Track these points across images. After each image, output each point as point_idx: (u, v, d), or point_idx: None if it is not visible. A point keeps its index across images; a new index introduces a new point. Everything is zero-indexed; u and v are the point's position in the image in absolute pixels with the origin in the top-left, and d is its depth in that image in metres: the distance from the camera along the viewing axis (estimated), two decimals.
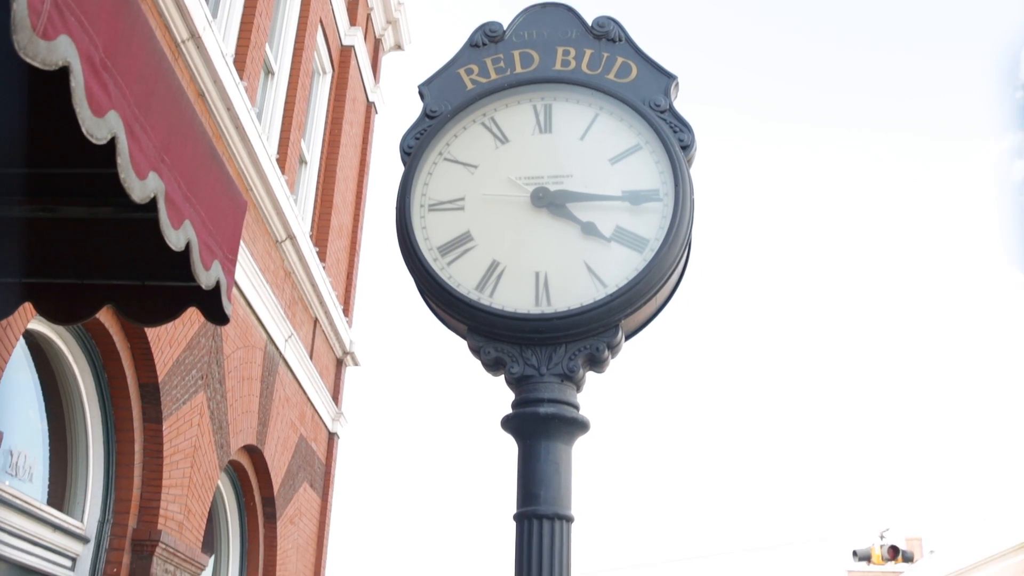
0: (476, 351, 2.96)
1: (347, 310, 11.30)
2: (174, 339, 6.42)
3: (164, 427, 6.32)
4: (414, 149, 3.19)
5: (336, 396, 10.96)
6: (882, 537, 23.84)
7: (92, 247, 3.33)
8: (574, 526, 2.75)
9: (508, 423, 2.87)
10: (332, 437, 10.77)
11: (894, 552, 22.97)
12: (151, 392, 6.25)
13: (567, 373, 2.87)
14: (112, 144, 2.11)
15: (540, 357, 2.91)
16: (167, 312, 3.34)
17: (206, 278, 2.68)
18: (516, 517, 2.76)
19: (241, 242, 7.34)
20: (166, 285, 3.24)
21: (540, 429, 2.79)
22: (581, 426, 2.84)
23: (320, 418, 10.32)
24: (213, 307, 3.04)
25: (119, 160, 2.13)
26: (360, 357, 11.39)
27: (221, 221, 2.76)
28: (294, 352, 9.08)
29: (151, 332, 6.10)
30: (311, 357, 9.81)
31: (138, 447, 6.23)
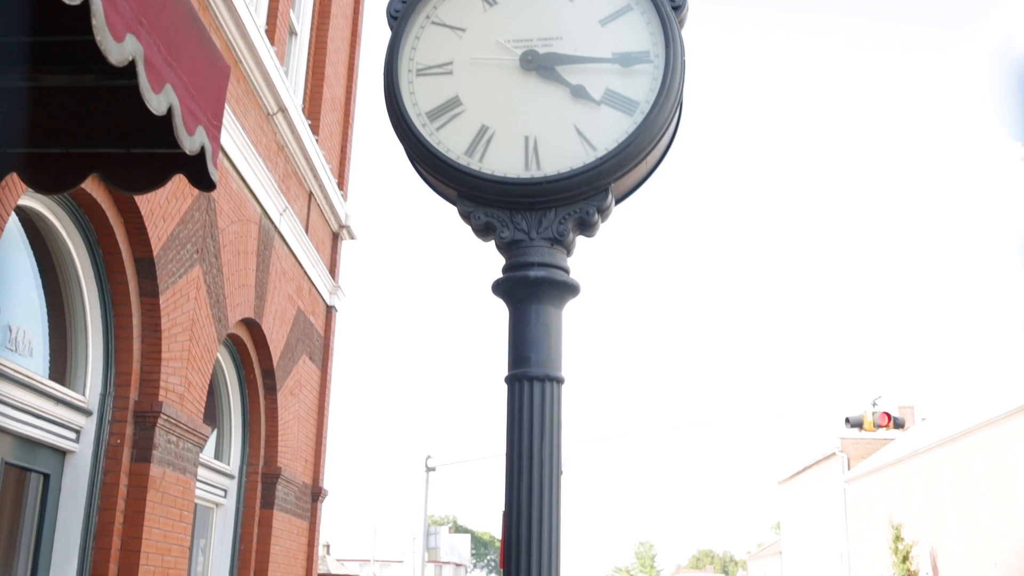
0: (466, 216, 2.96)
1: (342, 184, 11.25)
2: (167, 213, 6.40)
3: (161, 301, 6.36)
4: (401, 13, 3.13)
5: (333, 270, 11.00)
6: (874, 404, 24.25)
7: (77, 116, 3.29)
8: (565, 388, 2.80)
9: (499, 287, 2.88)
10: (330, 310, 10.86)
11: (886, 418, 23.41)
12: (146, 266, 6.27)
13: (557, 237, 2.87)
14: (88, 7, 2.06)
15: (530, 221, 2.90)
16: (154, 179, 3.32)
17: (190, 143, 2.66)
18: (507, 379, 2.80)
19: (232, 115, 7.26)
20: (152, 152, 3.21)
21: (530, 293, 2.81)
22: (571, 289, 2.86)
23: (317, 291, 10.38)
24: (199, 173, 3.02)
25: (94, 22, 2.08)
26: (356, 231, 11.40)
27: (204, 86, 2.72)
28: (289, 226, 9.07)
29: (144, 206, 6.09)
30: (307, 231, 9.81)
31: (136, 321, 6.27)
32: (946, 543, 44.49)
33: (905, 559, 45.31)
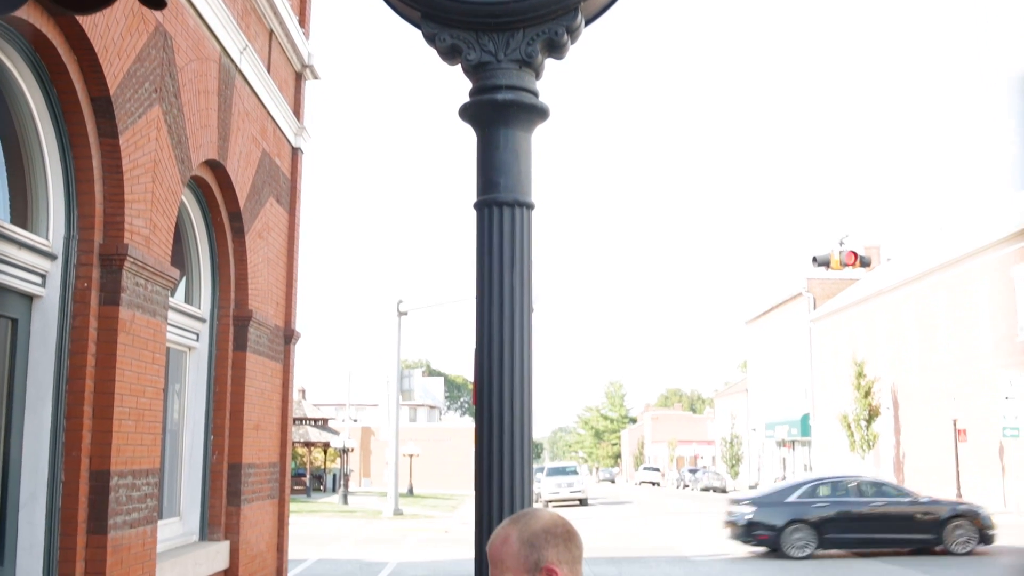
0: (431, 39, 2.85)
1: (303, 21, 10.91)
2: (122, 50, 6.18)
3: (121, 141, 6.20)
4: None
5: (297, 111, 10.78)
6: (841, 244, 24.49)
7: None
8: (535, 214, 2.75)
9: (466, 111, 2.80)
10: (295, 152, 10.69)
11: (853, 257, 23.68)
12: (103, 106, 6.08)
13: (525, 59, 2.78)
14: None
15: (497, 43, 2.80)
16: None
17: None
18: (476, 205, 2.75)
19: None
20: None
21: (498, 116, 2.73)
22: (540, 113, 2.78)
23: (282, 133, 10.19)
24: None
25: None
26: (320, 71, 11.12)
27: None
28: (250, 65, 8.82)
29: (98, 43, 5.86)
30: (268, 70, 9.55)
31: (96, 163, 6.13)
32: (907, 379, 45.81)
33: (867, 394, 46.67)
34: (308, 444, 48.26)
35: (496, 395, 2.85)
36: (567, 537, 2.50)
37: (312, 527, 29.04)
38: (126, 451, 6.27)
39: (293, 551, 20.16)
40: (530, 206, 2.73)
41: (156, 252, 6.77)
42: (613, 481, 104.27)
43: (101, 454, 6.04)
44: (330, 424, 53.87)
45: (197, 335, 8.55)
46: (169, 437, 8.40)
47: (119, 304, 6.14)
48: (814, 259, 24.18)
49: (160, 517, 7.90)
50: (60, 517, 5.85)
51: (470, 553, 22.26)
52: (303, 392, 49.40)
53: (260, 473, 9.38)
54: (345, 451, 48.33)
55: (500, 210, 2.70)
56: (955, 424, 38.61)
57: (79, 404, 5.94)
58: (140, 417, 6.48)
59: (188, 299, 8.50)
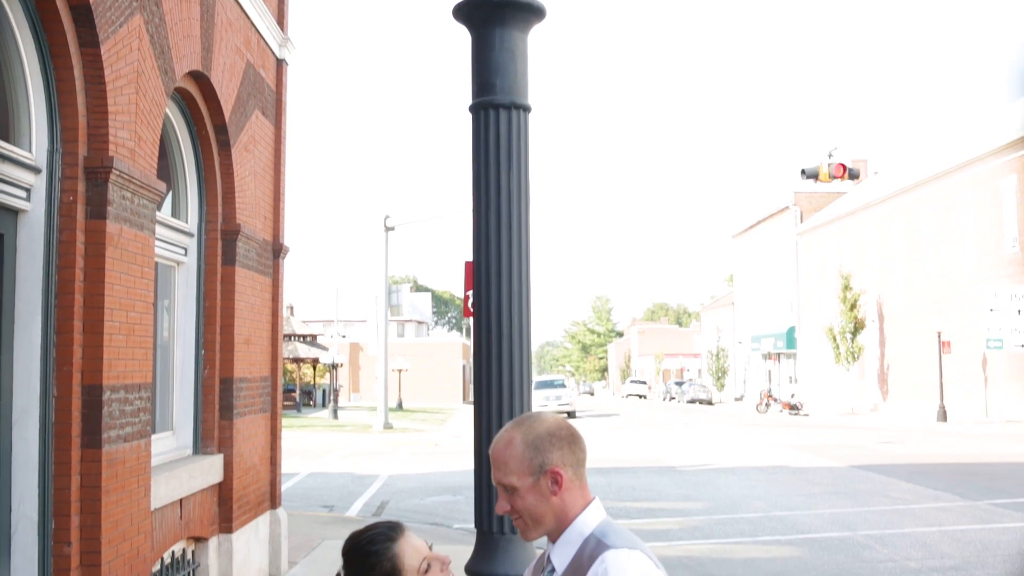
0: None
1: None
2: None
3: (103, 51, 6.06)
4: None
5: (281, 21, 10.57)
6: (830, 156, 24.39)
7: None
8: (531, 116, 2.68)
9: (460, 11, 2.71)
10: (280, 64, 10.50)
11: (841, 170, 23.61)
12: (83, 14, 5.93)
13: None
14: None
15: None
16: None
17: None
18: (472, 108, 2.67)
19: None
20: None
21: (494, 16, 2.64)
22: (536, 12, 2.69)
23: (266, 44, 10.00)
24: None
25: None
26: None
27: None
28: None
29: None
30: None
31: (78, 73, 6.00)
32: (892, 291, 46.10)
33: (853, 307, 47.02)
34: (297, 360, 48.54)
35: (495, 302, 2.82)
36: (571, 440, 2.49)
37: (303, 442, 29.34)
38: (118, 366, 6.25)
39: (284, 465, 20.36)
40: (527, 108, 2.66)
41: (142, 165, 6.67)
42: (592, 393, 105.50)
43: (93, 368, 6.02)
44: (319, 340, 54.09)
45: (185, 250, 8.49)
46: (160, 352, 8.39)
47: (106, 218, 6.07)
48: (803, 172, 24.11)
49: (153, 431, 7.93)
50: (54, 432, 5.85)
51: (460, 465, 22.58)
52: (291, 309, 49.47)
53: (252, 387, 9.41)
54: (334, 367, 48.62)
55: (496, 112, 2.63)
56: (939, 336, 39.00)
57: (69, 319, 5.91)
58: (131, 332, 6.45)
59: (175, 213, 8.42)
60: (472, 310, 11.51)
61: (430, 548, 2.56)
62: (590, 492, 2.52)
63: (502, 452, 2.45)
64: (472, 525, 14.32)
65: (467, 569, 4.23)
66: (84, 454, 5.98)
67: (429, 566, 2.50)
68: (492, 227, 2.72)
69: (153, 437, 7.64)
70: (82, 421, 5.98)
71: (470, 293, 10.68)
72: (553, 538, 2.49)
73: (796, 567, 10.98)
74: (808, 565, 11.08)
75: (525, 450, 2.43)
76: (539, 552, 4.07)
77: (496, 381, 2.99)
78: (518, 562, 3.78)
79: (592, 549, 2.36)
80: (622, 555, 2.31)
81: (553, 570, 2.47)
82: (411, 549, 2.50)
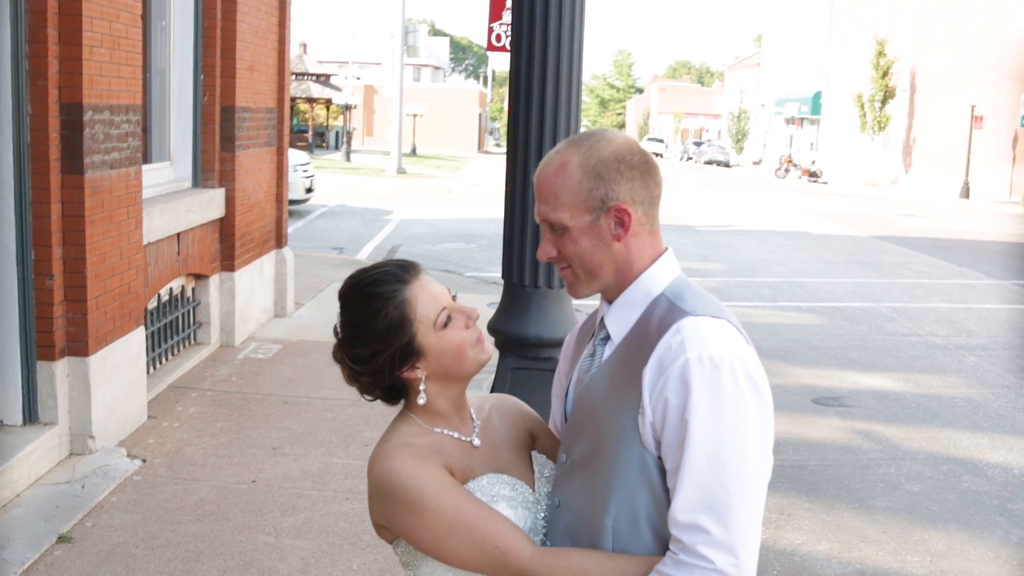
0: None
1: None
2: None
3: None
4: None
5: None
6: None
7: None
8: None
9: None
10: None
11: None
12: None
13: None
14: None
15: None
16: None
17: None
18: None
19: None
20: None
21: None
22: None
23: None
24: None
25: None
26: None
27: None
28: None
29: None
30: None
31: None
32: (928, 61, 44.28)
33: (885, 74, 45.37)
34: (310, 100, 47.35)
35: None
36: (645, 169, 1.81)
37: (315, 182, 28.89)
38: (100, 83, 5.57)
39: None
40: None
41: None
42: None
43: (72, 84, 5.35)
44: (332, 81, 52.69)
45: None
46: (156, 77, 7.68)
47: None
48: None
49: (148, 161, 7.34)
50: (29, 154, 5.25)
51: (474, 213, 22.20)
52: (304, 47, 47.81)
53: (256, 118, 8.72)
54: (348, 108, 47.58)
55: None
56: (972, 110, 37.70)
57: (42, 26, 5.18)
58: (115, 45, 5.72)
59: None
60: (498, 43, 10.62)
61: (453, 298, 1.92)
62: (662, 241, 1.88)
63: (552, 179, 1.81)
64: (485, 274, 14.13)
65: (490, 327, 3.68)
66: (65, 180, 5.41)
67: (450, 318, 1.87)
68: None
69: (147, 167, 7.05)
70: (61, 143, 5.37)
71: (495, 25, 9.78)
72: (610, 296, 1.88)
73: (818, 335, 10.64)
74: (830, 334, 10.73)
75: (583, 178, 1.78)
76: (580, 316, 3.42)
77: (539, 92, 2.29)
78: (553, 322, 3.15)
79: (663, 314, 1.77)
80: (704, 324, 1.72)
81: (607, 338, 1.87)
82: (428, 295, 1.86)
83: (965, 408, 7.99)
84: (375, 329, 1.84)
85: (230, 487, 5.33)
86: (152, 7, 7.45)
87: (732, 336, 1.73)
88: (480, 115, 72.81)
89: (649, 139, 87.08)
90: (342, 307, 1.90)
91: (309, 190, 20.32)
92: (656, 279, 1.83)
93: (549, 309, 3.16)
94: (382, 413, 1.93)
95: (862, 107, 46.61)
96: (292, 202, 19.63)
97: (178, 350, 7.65)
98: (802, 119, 60.61)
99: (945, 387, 8.64)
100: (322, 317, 9.55)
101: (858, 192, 40.55)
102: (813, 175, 48.64)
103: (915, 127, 45.37)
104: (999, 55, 37.95)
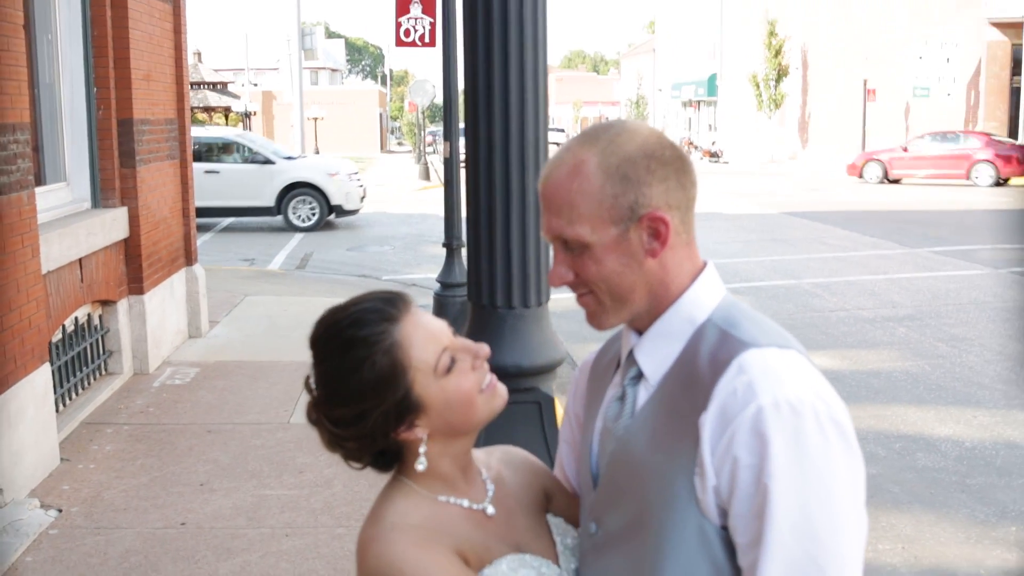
0: None
1: None
2: None
3: None
4: None
5: None
6: None
7: None
8: None
9: None
10: None
11: None
12: None
13: None
14: None
15: None
16: None
17: None
18: None
19: None
20: None
21: None
22: None
23: None
24: None
25: None
26: None
27: None
28: None
29: None
30: None
31: None
32: (818, 38, 45.09)
33: (777, 53, 46.03)
34: (208, 109, 46.10)
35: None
36: (680, 166, 1.46)
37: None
38: None
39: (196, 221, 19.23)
40: None
41: None
42: None
43: None
44: (230, 88, 51.48)
45: None
46: (44, 92, 7.17)
47: None
48: None
49: (41, 183, 6.84)
50: None
51: (385, 214, 21.70)
52: (199, 55, 46.54)
53: (156, 131, 8.24)
54: (247, 115, 46.55)
55: None
56: (865, 84, 38.44)
57: None
58: None
59: None
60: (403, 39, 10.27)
61: (454, 333, 1.54)
62: (699, 252, 1.53)
63: (564, 185, 1.42)
64: (403, 276, 13.74)
65: None
66: None
67: (453, 361, 1.48)
68: None
69: (41, 190, 6.55)
70: None
71: (403, 19, 9.40)
72: (640, 325, 1.51)
73: None
74: None
75: (606, 182, 1.40)
76: (562, 333, 2.93)
77: (500, 81, 1.99)
78: (533, 347, 2.71)
79: (715, 347, 1.41)
80: (771, 358, 1.37)
81: (640, 376, 1.50)
82: (423, 334, 1.47)
83: (905, 382, 7.93)
84: (361, 383, 1.45)
85: (157, 533, 4.91)
86: (35, 18, 6.94)
87: (807, 371, 1.40)
88: (381, 115, 72.02)
89: (551, 129, 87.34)
90: (316, 357, 1.50)
91: (363, 198, 20.39)
92: (699, 302, 1.48)
93: (527, 332, 2.76)
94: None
95: (757, 87, 47.24)
96: (349, 212, 19.68)
97: (88, 383, 7.15)
98: (699, 101, 61.28)
99: (882, 361, 8.58)
100: (239, 334, 9.08)
101: (759, 170, 41.05)
102: (714, 155, 49.20)
103: (809, 103, 46.16)
104: (887, 31, 38.78)
